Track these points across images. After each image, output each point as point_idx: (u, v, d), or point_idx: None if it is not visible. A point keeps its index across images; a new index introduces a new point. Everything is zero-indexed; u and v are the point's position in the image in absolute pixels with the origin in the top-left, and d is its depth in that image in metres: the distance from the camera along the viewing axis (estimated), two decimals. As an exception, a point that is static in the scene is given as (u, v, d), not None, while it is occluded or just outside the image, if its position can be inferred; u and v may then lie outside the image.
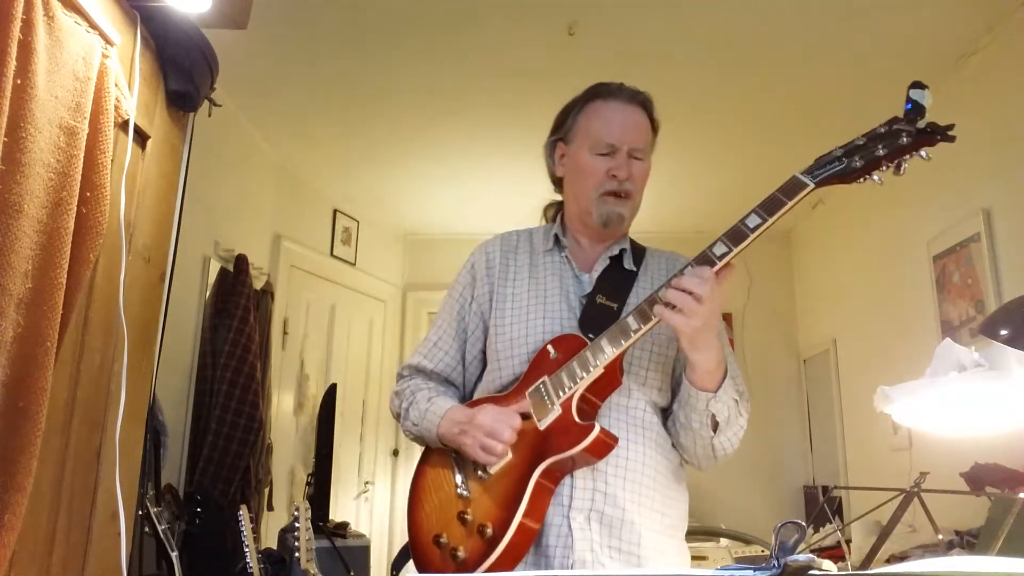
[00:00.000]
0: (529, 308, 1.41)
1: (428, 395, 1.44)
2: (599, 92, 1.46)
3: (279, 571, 2.73)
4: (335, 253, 4.39)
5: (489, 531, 1.21)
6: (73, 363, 1.33)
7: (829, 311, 4.25)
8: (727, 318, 4.74)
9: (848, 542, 2.71)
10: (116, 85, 1.37)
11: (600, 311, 1.37)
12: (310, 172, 4.08)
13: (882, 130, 1.16)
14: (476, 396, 1.47)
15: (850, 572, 0.68)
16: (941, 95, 3.24)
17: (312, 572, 2.18)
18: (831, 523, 2.81)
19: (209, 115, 1.92)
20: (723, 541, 3.32)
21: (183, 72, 1.60)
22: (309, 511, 2.29)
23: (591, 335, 1.29)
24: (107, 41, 1.34)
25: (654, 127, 1.47)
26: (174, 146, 1.66)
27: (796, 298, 4.78)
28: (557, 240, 1.49)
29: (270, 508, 3.44)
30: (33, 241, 1.13)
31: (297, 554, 2.18)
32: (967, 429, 1.64)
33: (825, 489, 4.09)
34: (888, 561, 2.34)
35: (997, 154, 2.61)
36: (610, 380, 1.27)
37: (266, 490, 3.35)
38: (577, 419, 1.23)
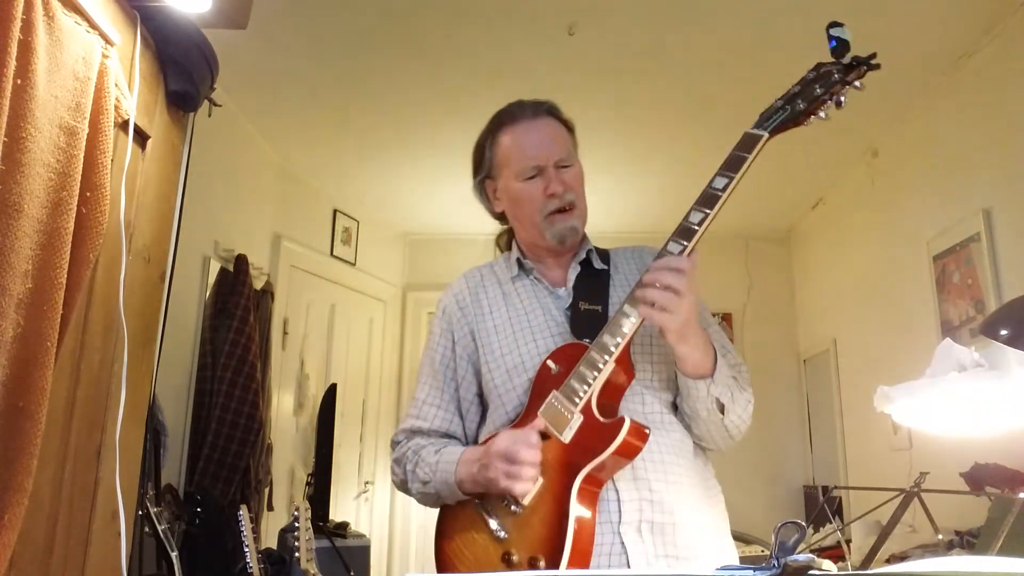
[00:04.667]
0: (516, 335, 1.36)
1: (434, 448, 1.35)
2: (503, 120, 1.42)
3: (279, 571, 2.73)
4: (335, 253, 4.39)
5: (541, 562, 1.13)
6: (73, 363, 1.33)
7: (829, 311, 4.25)
8: (727, 318, 4.74)
9: (848, 542, 2.71)
10: (116, 85, 1.37)
11: (587, 316, 1.33)
12: (310, 172, 4.08)
13: (811, 75, 1.23)
14: (482, 439, 1.37)
15: (850, 572, 0.68)
16: (941, 95, 3.25)
17: (312, 572, 2.18)
18: (831, 523, 2.81)
19: (209, 115, 1.92)
20: (723, 541, 3.32)
21: (183, 72, 1.60)
22: (309, 511, 2.30)
23: (588, 339, 1.24)
24: (107, 41, 1.34)
25: (569, 128, 1.43)
26: (174, 146, 1.66)
27: (796, 298, 4.78)
28: (521, 264, 1.44)
29: (270, 508, 3.44)
30: (33, 241, 1.13)
31: (297, 554, 2.18)
32: (967, 429, 1.64)
33: (825, 489, 4.09)
34: (888, 561, 2.34)
35: (997, 154, 2.61)
36: (623, 374, 1.23)
37: (266, 490, 3.34)
38: (602, 419, 1.18)
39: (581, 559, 1.14)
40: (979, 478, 2.11)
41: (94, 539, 1.38)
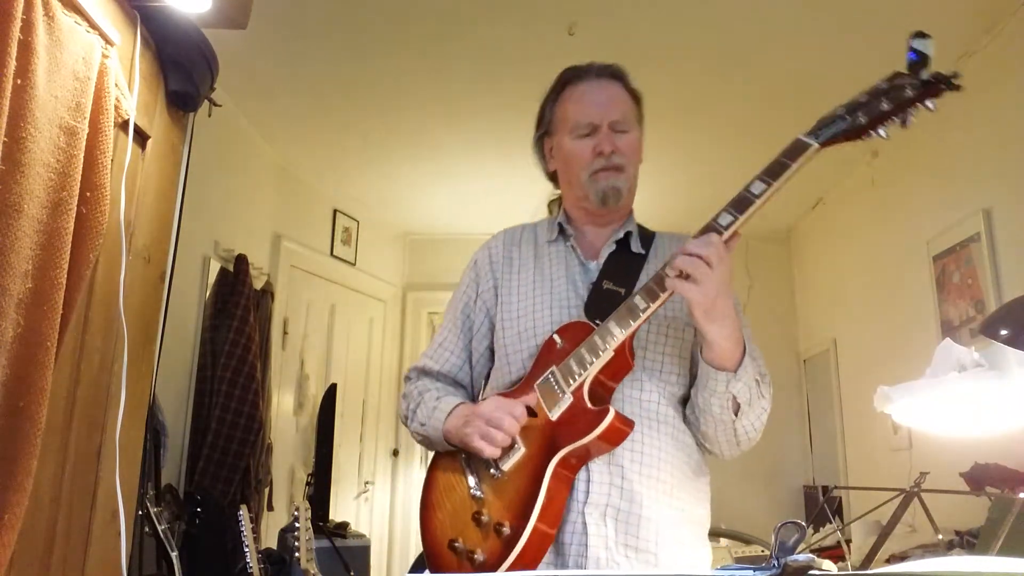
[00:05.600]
0: (535, 300, 1.37)
1: (436, 394, 1.39)
2: (569, 77, 1.44)
3: (279, 571, 2.73)
4: (335, 253, 4.39)
5: (506, 530, 1.16)
6: (73, 363, 1.33)
7: (829, 311, 4.25)
8: (727, 318, 4.74)
9: (848, 542, 2.71)
10: (116, 85, 1.37)
11: (607, 296, 1.30)
12: (310, 172, 4.08)
13: (884, 85, 1.13)
14: (485, 394, 1.42)
15: (850, 572, 0.69)
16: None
17: (312, 572, 2.18)
18: (831, 523, 2.81)
19: (209, 115, 1.93)
20: (723, 541, 3.32)
21: (183, 72, 1.60)
22: (309, 511, 2.30)
23: (598, 321, 1.23)
24: (107, 41, 1.34)
25: (635, 97, 1.43)
26: (174, 146, 1.66)
27: (796, 298, 4.78)
28: (561, 229, 1.44)
29: (270, 508, 3.44)
30: (33, 241, 1.13)
31: (297, 554, 2.18)
32: (967, 429, 1.64)
33: (825, 489, 4.09)
34: (888, 561, 2.34)
35: (997, 154, 2.61)
36: (621, 364, 1.21)
37: (266, 490, 3.34)
38: (590, 405, 1.18)
39: (544, 536, 1.16)
40: (979, 478, 2.11)
41: (94, 539, 1.38)
